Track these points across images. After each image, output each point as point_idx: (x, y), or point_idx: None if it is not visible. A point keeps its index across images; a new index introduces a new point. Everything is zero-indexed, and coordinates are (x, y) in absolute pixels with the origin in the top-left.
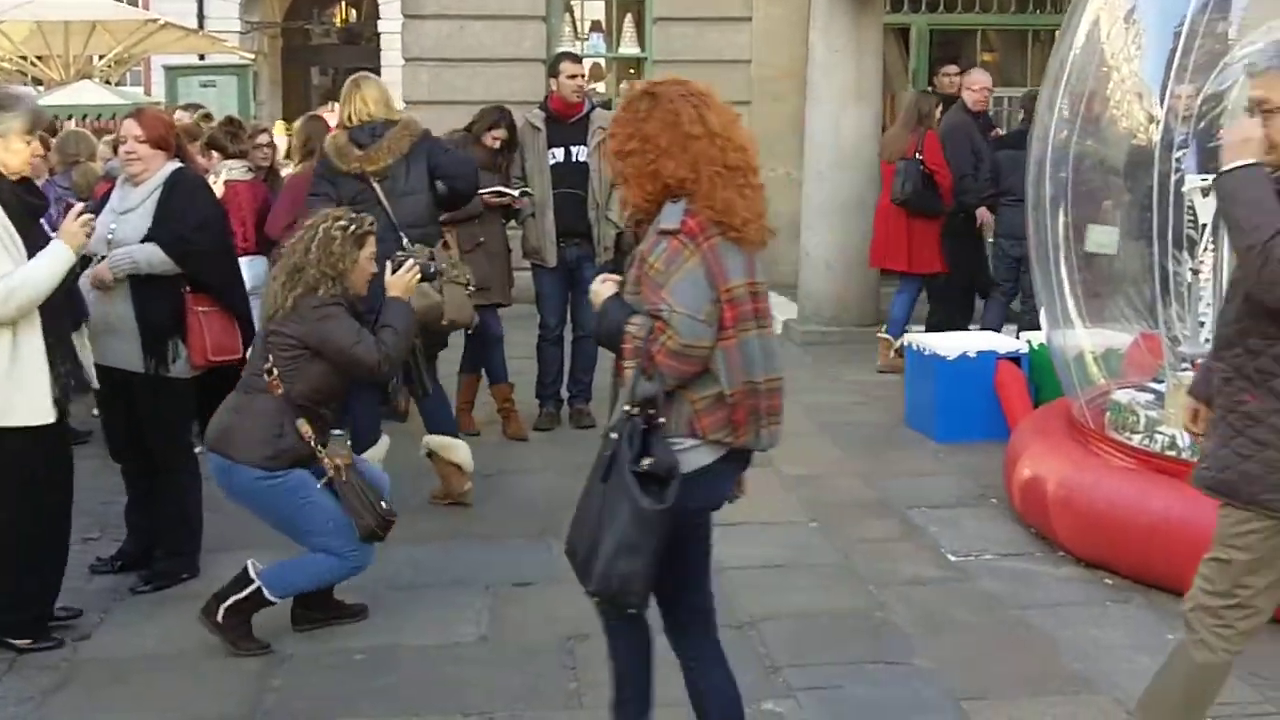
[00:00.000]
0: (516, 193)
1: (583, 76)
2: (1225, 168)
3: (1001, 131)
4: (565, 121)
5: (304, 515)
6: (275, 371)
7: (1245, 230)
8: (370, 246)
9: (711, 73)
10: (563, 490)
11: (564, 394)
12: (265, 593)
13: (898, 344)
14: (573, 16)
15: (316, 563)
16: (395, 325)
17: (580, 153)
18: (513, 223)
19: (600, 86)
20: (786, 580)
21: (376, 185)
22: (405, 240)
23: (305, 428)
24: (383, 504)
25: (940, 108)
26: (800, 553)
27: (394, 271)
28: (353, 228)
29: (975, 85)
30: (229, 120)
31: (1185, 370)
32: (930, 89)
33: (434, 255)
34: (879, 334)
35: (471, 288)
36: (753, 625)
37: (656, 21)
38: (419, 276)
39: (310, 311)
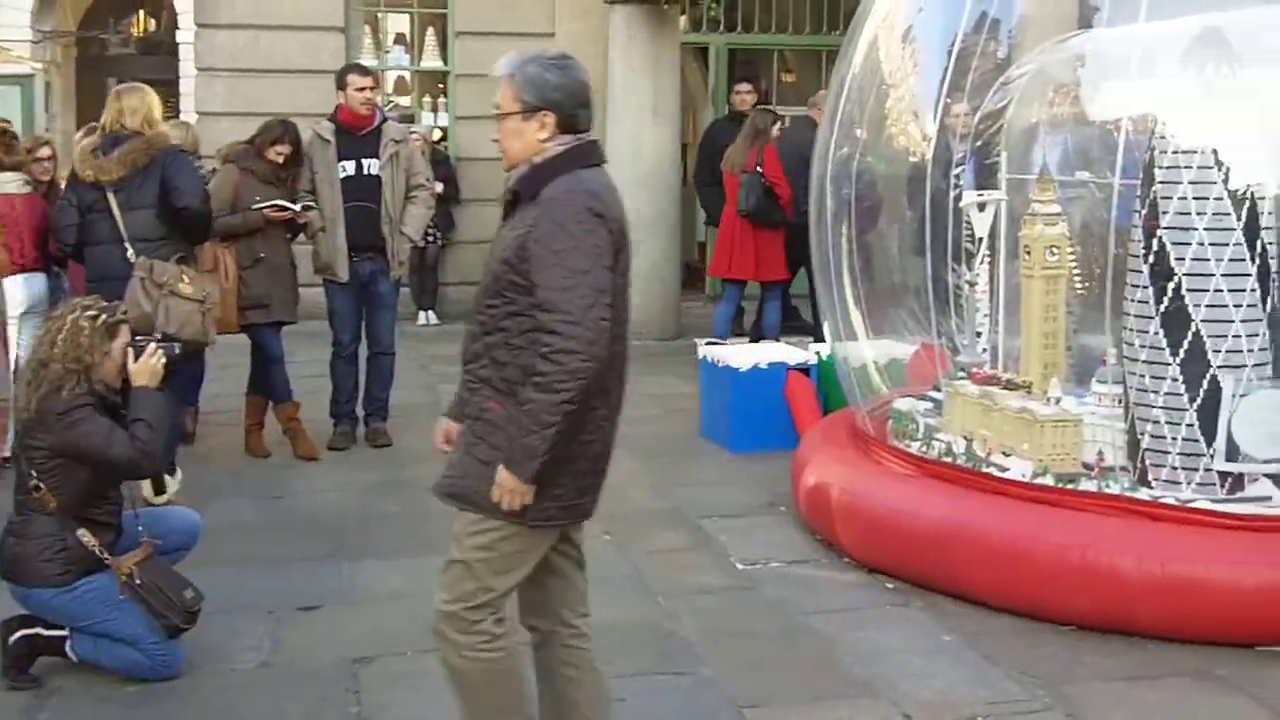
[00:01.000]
0: (298, 207)
1: (372, 89)
2: None
3: None
4: (356, 134)
5: (113, 625)
6: (43, 487)
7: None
8: (123, 336)
9: None
10: (353, 511)
11: (359, 412)
12: (68, 644)
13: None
14: (374, 28)
15: (127, 656)
16: (147, 418)
17: (372, 165)
18: (302, 237)
19: (404, 100)
20: None
21: (111, 196)
22: (130, 252)
23: (87, 538)
24: (187, 593)
25: (772, 124)
26: (592, 566)
27: (136, 359)
28: (103, 317)
29: (819, 104)
30: (1, 132)
31: (963, 378)
32: (729, 106)
33: (159, 278)
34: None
35: (207, 305)
36: None
37: (459, 35)
38: (163, 360)
39: (56, 420)
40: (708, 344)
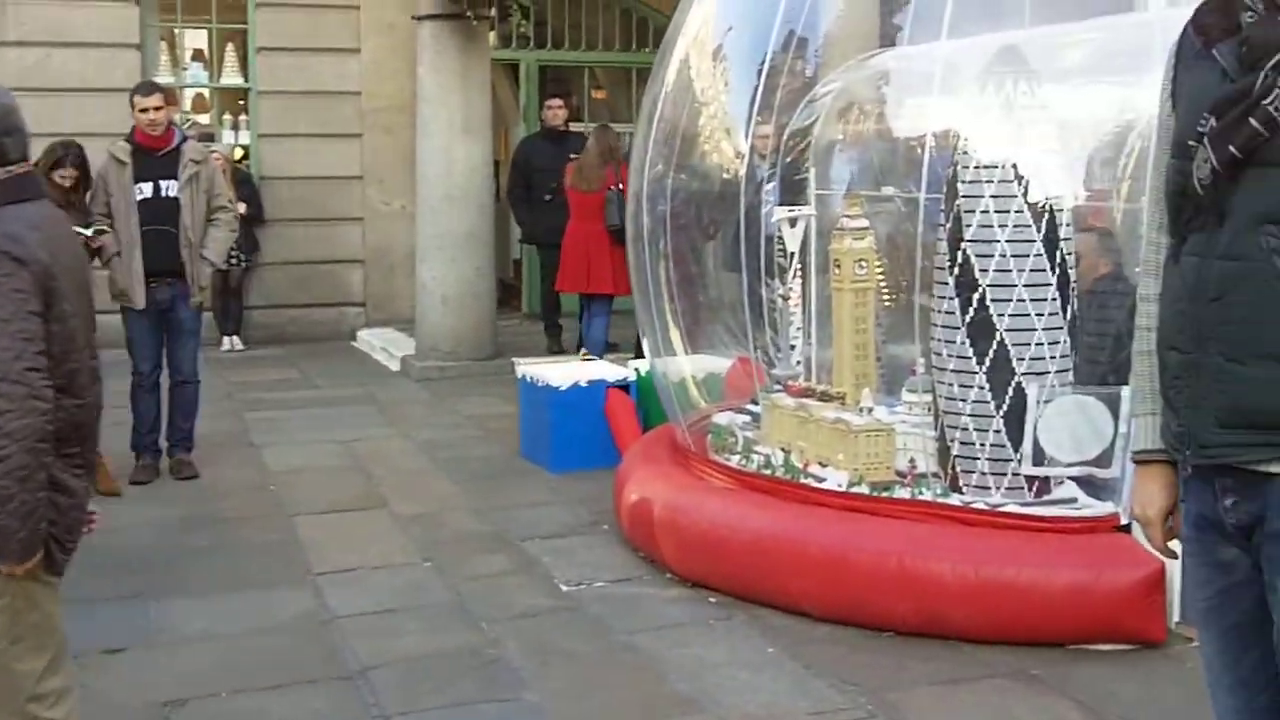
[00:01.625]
0: (90, 231)
1: (158, 108)
2: None
3: None
4: (154, 154)
5: None
6: None
7: None
8: None
9: (320, 104)
10: (161, 547)
11: (163, 444)
12: None
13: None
14: (171, 45)
15: None
16: None
17: (171, 187)
18: (97, 262)
19: (204, 118)
20: (398, 624)
21: None
22: None
23: None
24: None
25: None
26: (412, 594)
27: None
28: None
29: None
30: None
31: (779, 391)
32: (541, 122)
33: None
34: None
35: None
36: (362, 674)
37: (260, 51)
38: None
39: None
40: (585, 357)
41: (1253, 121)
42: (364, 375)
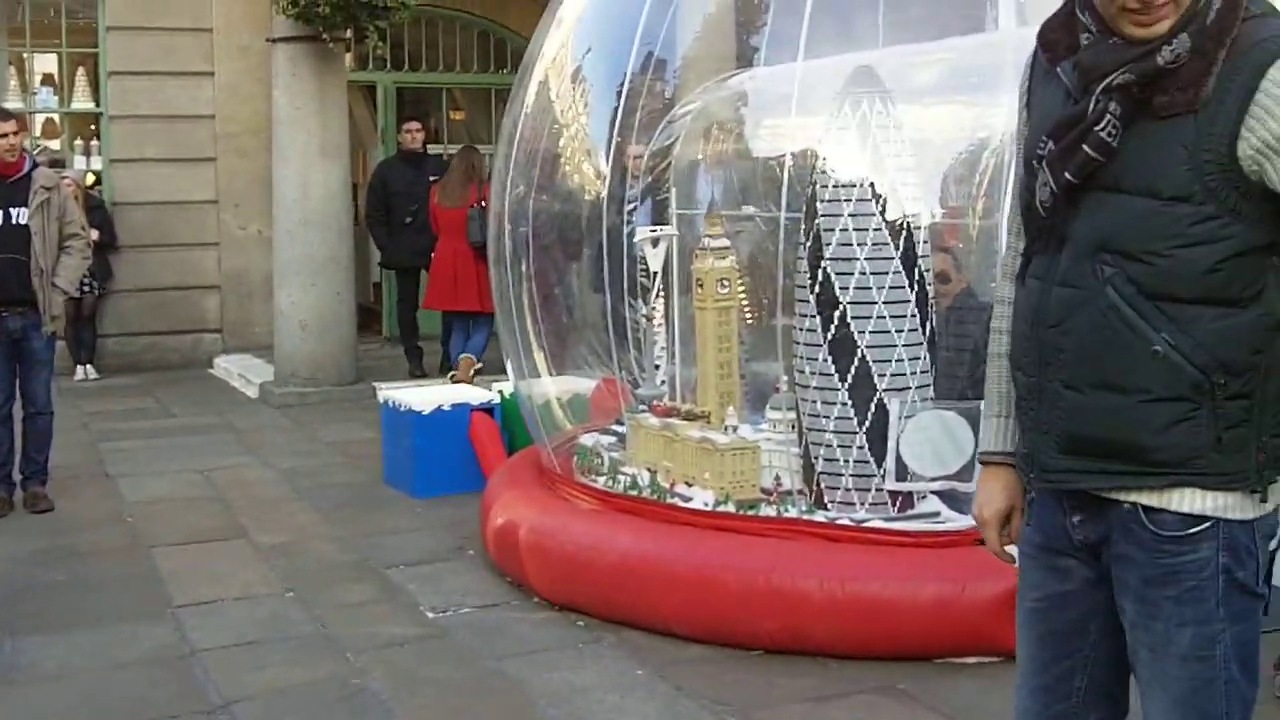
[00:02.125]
0: None
1: (15, 134)
2: None
3: None
4: (4, 181)
5: None
6: None
7: None
8: None
9: (174, 128)
10: (15, 582)
11: (16, 476)
12: None
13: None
14: (20, 69)
15: None
16: None
17: (21, 215)
18: None
19: (54, 144)
20: (261, 656)
21: None
22: None
23: None
24: None
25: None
26: (275, 625)
27: None
28: None
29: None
30: None
31: (644, 411)
32: (399, 145)
33: None
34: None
35: None
36: (224, 708)
37: (111, 76)
38: None
39: None
40: (453, 378)
41: (1086, 148)
42: (222, 403)
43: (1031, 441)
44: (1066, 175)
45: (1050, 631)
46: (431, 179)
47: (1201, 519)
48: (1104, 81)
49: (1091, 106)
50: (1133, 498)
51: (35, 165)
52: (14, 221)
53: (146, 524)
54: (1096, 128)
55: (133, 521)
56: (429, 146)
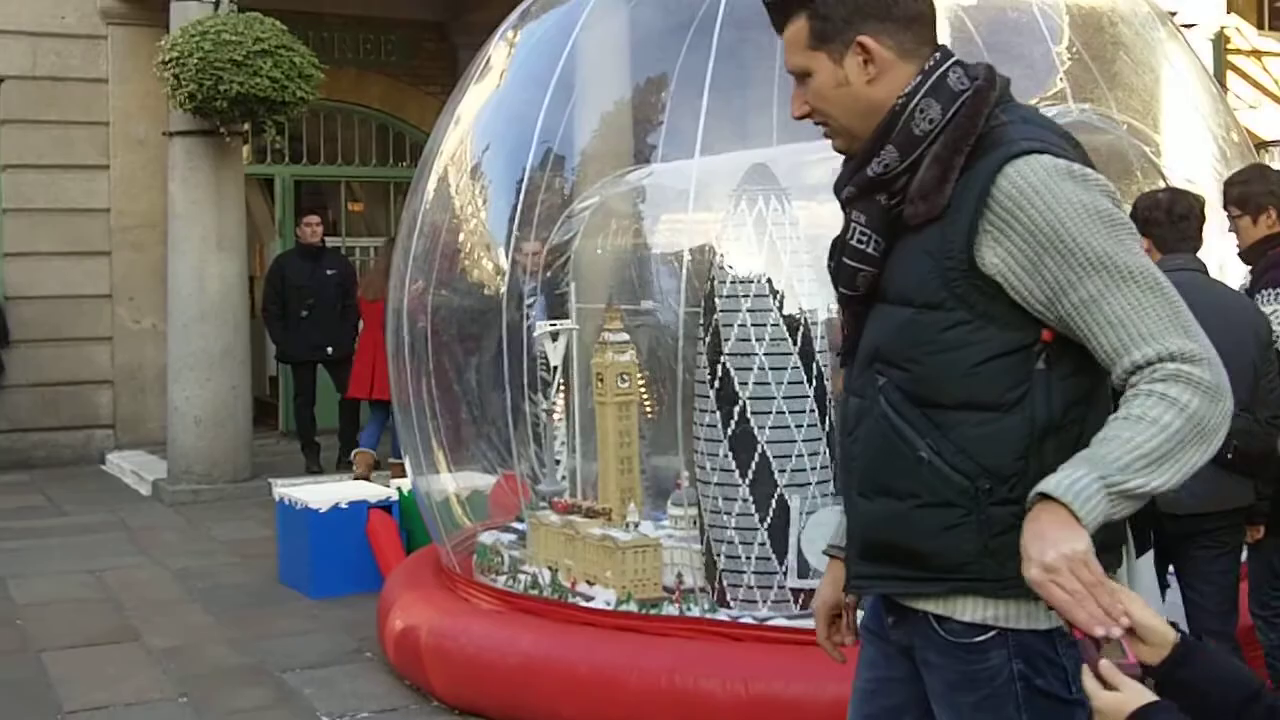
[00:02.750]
0: None
1: None
2: None
3: None
4: None
5: None
6: None
7: None
8: None
9: (69, 222)
10: None
11: None
12: None
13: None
14: None
15: None
16: None
17: None
18: None
19: None
20: None
21: None
22: None
23: None
24: None
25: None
26: None
27: None
28: None
29: None
30: None
31: (544, 508)
32: (296, 238)
33: None
34: (356, 451)
35: None
36: None
37: (6, 169)
38: None
39: None
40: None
41: (845, 259)
42: (114, 500)
43: (846, 547)
44: (840, 288)
45: (875, 712)
46: (329, 272)
47: (985, 627)
48: (840, 196)
49: (847, 222)
50: (922, 605)
51: None
52: None
53: (36, 626)
54: (850, 240)
55: (22, 624)
56: (327, 239)
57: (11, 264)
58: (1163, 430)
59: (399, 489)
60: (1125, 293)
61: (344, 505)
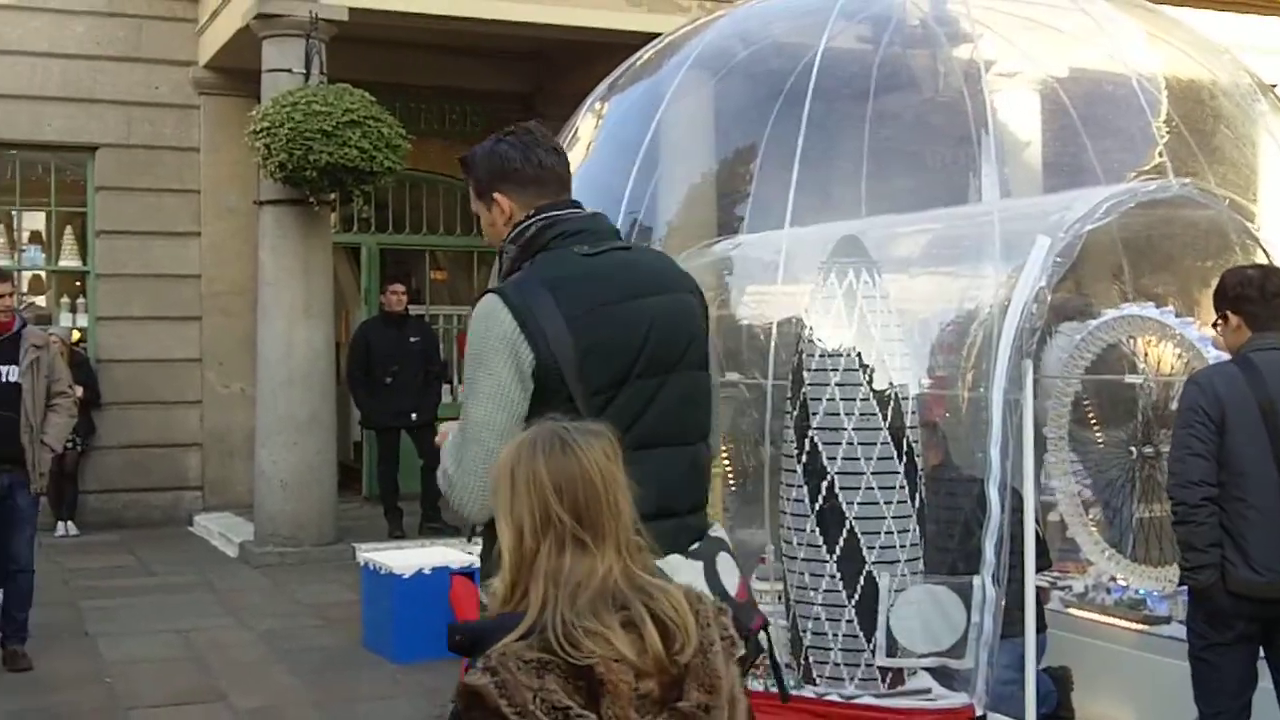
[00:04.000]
0: None
1: (11, 294)
2: None
3: None
4: None
5: None
6: None
7: None
8: None
9: (160, 287)
10: None
11: None
12: None
13: None
14: (8, 226)
15: None
16: None
17: (11, 373)
18: None
19: (40, 300)
20: None
21: None
22: None
23: None
24: None
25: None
26: None
27: None
28: None
29: None
30: None
31: None
32: (381, 306)
33: None
34: None
35: None
36: None
37: (100, 235)
38: None
39: None
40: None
41: None
42: (202, 562)
43: None
44: None
45: None
46: (413, 340)
47: None
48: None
49: None
50: None
51: (25, 324)
52: (4, 380)
53: (125, 685)
54: None
55: (111, 682)
56: (411, 308)
57: (104, 327)
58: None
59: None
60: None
61: (427, 571)
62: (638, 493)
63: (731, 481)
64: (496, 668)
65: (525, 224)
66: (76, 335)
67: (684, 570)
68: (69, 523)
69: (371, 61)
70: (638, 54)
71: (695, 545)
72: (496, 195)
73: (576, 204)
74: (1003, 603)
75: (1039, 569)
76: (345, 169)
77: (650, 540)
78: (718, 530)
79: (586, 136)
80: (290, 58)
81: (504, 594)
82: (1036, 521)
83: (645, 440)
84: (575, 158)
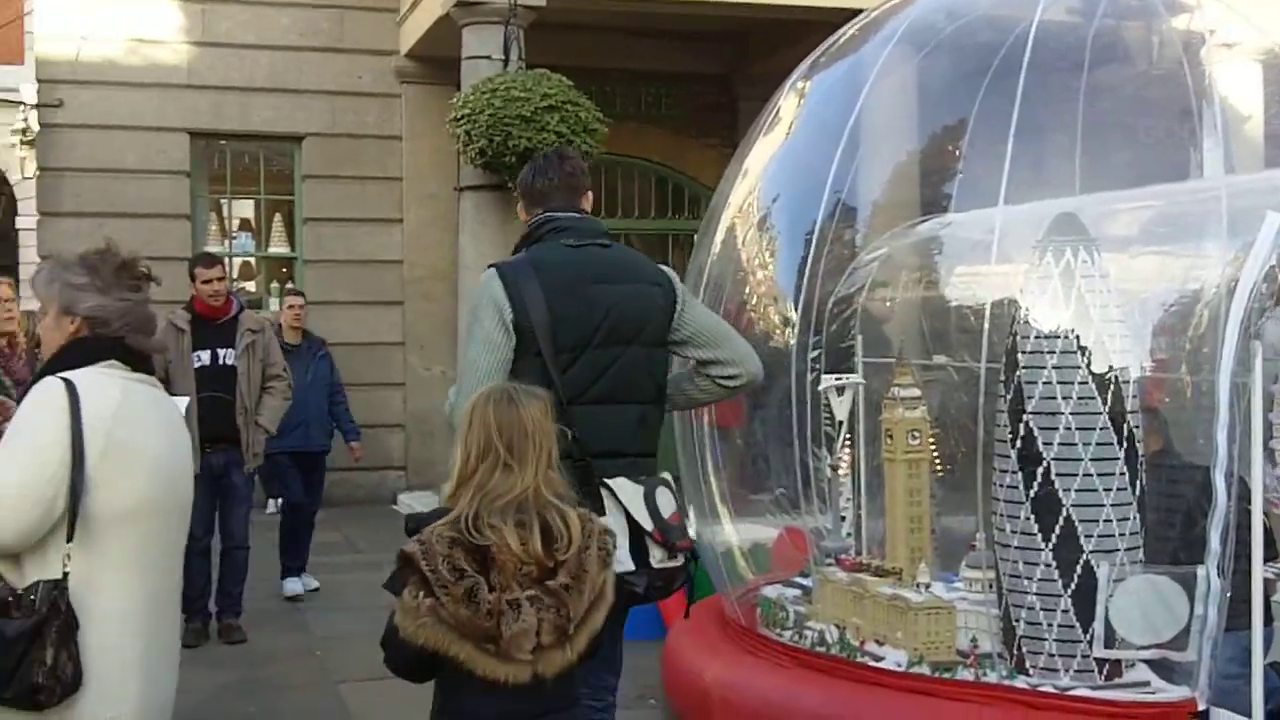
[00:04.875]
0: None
1: (221, 279)
2: None
3: None
4: (212, 323)
5: None
6: None
7: None
8: None
9: (363, 273)
10: (208, 713)
11: (212, 608)
12: None
13: None
14: (220, 215)
15: None
16: None
17: (228, 355)
18: None
19: (250, 285)
20: None
21: None
22: None
23: None
24: None
25: None
26: None
27: None
28: None
29: None
30: None
31: (830, 565)
32: None
33: None
34: None
35: None
36: None
37: (306, 222)
38: None
39: None
40: None
41: None
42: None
43: None
44: None
45: None
46: None
47: None
48: None
49: None
50: None
51: (241, 308)
52: (221, 362)
53: (334, 658)
54: None
55: (321, 655)
56: None
57: (311, 312)
58: None
59: None
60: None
61: None
62: (593, 436)
63: (939, 467)
64: (424, 539)
65: (532, 222)
66: None
67: (626, 489)
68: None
69: (569, 46)
70: (840, 31)
71: (642, 477)
72: (520, 207)
73: (578, 210)
74: (1228, 594)
75: (1266, 559)
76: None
77: (567, 477)
78: (667, 476)
79: (788, 116)
80: (489, 45)
81: (448, 494)
82: (1265, 511)
83: (602, 397)
84: (776, 139)
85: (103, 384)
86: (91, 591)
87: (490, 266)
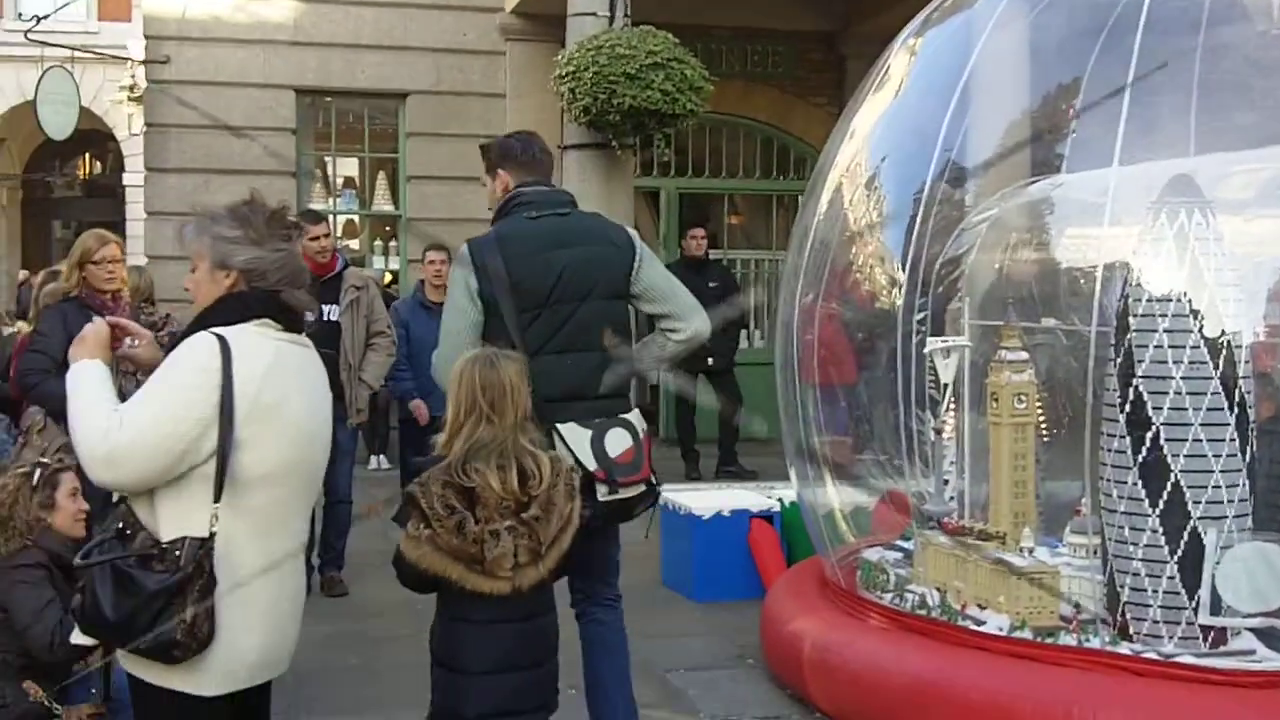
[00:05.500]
0: None
1: (327, 235)
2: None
3: None
4: (316, 280)
5: None
6: None
7: None
8: (68, 483)
9: (466, 230)
10: (310, 664)
11: (315, 561)
12: None
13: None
14: (324, 172)
15: None
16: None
17: (333, 312)
18: None
19: (354, 243)
20: None
21: None
22: None
23: (32, 687)
24: None
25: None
26: None
27: None
28: (38, 473)
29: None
30: None
31: (933, 528)
32: (681, 250)
33: None
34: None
35: None
36: None
37: (409, 180)
38: None
39: (4, 574)
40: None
41: None
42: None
43: None
44: None
45: None
46: (711, 285)
47: None
48: None
49: None
50: None
51: (346, 265)
52: (325, 318)
53: (434, 612)
54: None
55: (421, 609)
56: (710, 252)
57: (415, 270)
58: None
59: (780, 500)
60: None
61: (727, 513)
62: (556, 382)
63: (1045, 432)
64: (424, 481)
65: (505, 198)
66: (388, 278)
67: (574, 433)
68: (381, 456)
69: (675, 3)
70: None
71: (596, 420)
72: (500, 172)
73: (546, 184)
74: None
75: None
76: (648, 112)
77: (540, 427)
78: (630, 416)
79: (899, 74)
80: (595, 1)
81: (442, 444)
82: None
83: (563, 347)
84: (885, 97)
85: (257, 344)
86: (229, 550)
87: (466, 243)
